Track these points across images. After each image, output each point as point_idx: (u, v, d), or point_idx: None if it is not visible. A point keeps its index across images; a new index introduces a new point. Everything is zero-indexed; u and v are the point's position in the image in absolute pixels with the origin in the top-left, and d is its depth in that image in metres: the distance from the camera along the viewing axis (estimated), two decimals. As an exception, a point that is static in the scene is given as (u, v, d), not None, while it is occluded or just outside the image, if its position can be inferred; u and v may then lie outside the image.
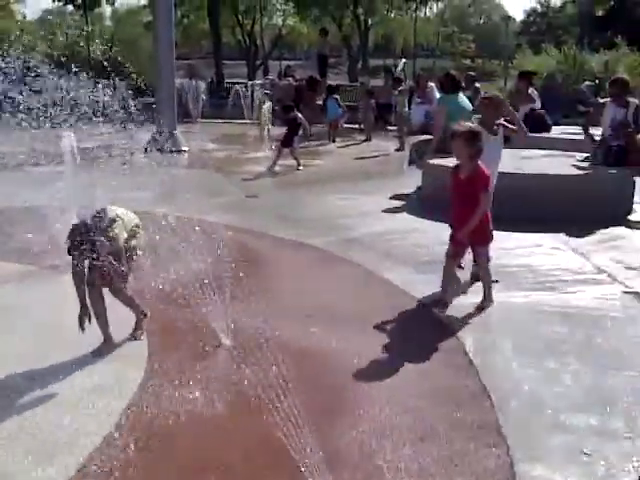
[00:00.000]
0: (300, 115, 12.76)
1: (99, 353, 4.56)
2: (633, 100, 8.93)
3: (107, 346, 4.65)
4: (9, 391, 4.07)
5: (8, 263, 6.43)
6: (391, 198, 9.37)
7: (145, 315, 4.92)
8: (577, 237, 7.32)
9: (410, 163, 10.15)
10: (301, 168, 11.93)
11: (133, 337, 4.83)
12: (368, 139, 15.60)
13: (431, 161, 8.85)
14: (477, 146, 5.25)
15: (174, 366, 4.39)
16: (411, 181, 9.65)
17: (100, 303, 4.58)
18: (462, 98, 9.18)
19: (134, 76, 21.54)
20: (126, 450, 3.51)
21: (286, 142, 12.16)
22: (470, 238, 5.33)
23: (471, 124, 5.64)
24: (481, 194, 5.22)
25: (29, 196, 7.66)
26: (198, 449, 3.57)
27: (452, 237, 5.43)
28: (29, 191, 8.24)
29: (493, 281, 5.56)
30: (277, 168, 11.87)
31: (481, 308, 5.36)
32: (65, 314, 4.64)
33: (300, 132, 12.56)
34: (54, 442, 3.59)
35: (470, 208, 5.21)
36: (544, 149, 9.98)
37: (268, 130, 14.92)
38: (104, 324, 4.63)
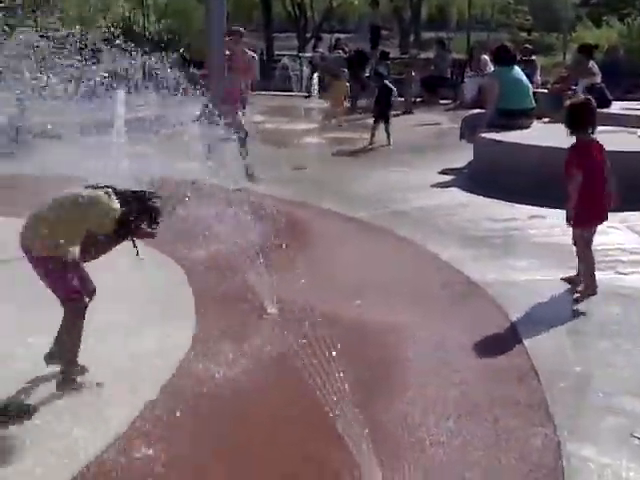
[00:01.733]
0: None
1: None
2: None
3: None
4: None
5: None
6: (441, 173, 9.23)
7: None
8: (634, 216, 7.10)
9: (461, 137, 9.97)
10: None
11: None
12: (409, 111, 15.29)
13: (483, 135, 8.67)
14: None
15: (220, 333, 4.43)
16: (462, 155, 9.47)
17: None
18: (517, 70, 8.95)
19: (186, 48, 21.60)
20: (173, 412, 3.56)
21: (383, 114, 11.64)
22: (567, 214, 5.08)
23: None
24: (574, 168, 4.99)
25: (81, 166, 7.76)
26: (240, 416, 3.61)
27: None
28: (81, 161, 8.36)
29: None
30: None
31: (577, 293, 5.10)
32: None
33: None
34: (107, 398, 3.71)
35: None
36: (603, 125, 9.66)
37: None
38: None
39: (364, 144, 11.52)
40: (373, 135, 11.52)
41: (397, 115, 15.01)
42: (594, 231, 5.14)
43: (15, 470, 3.17)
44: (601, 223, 5.16)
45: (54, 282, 3.68)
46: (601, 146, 5.13)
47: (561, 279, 5.27)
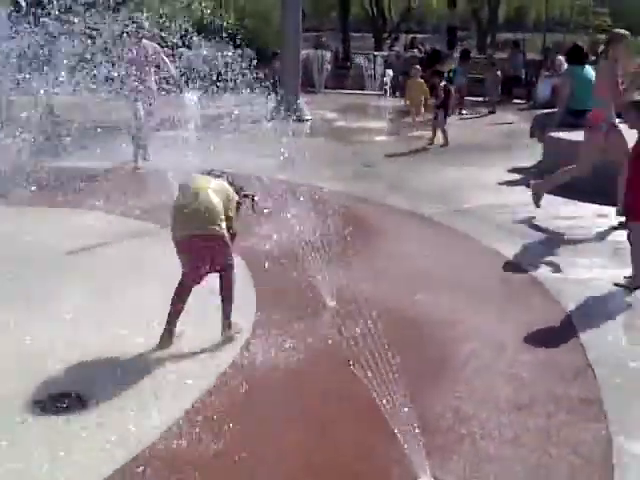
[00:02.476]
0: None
1: None
2: None
3: None
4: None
5: (135, 220, 6.78)
6: (510, 171, 9.15)
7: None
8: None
9: (531, 136, 9.84)
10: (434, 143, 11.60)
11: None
12: (493, 111, 15.19)
13: (553, 134, 8.55)
14: None
15: (280, 324, 4.50)
16: (532, 155, 9.37)
17: None
18: (588, 70, 8.78)
19: (264, 46, 21.93)
20: (229, 398, 3.67)
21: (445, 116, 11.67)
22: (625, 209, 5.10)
23: None
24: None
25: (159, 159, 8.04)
26: (295, 403, 3.70)
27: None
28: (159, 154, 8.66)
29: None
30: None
31: (627, 287, 5.10)
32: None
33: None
34: (168, 382, 3.83)
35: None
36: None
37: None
38: None
39: (429, 143, 11.54)
40: (434, 133, 11.58)
41: (481, 116, 14.96)
42: None
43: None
44: None
45: (220, 256, 4.21)
46: None
47: (624, 277, 5.20)
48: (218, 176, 4.44)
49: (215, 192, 4.26)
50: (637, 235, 5.08)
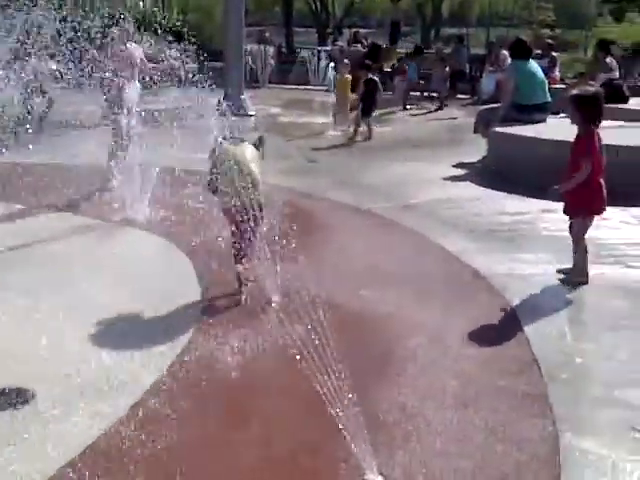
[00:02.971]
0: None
1: None
2: None
3: None
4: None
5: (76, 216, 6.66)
6: (455, 166, 9.18)
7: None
8: (647, 212, 7.02)
9: (475, 131, 9.90)
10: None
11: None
12: (441, 107, 15.21)
13: (497, 129, 8.61)
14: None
15: (224, 321, 4.45)
16: (476, 150, 9.41)
17: None
18: (532, 65, 8.87)
19: (206, 42, 21.66)
20: (174, 396, 3.60)
21: (367, 110, 11.65)
22: (566, 205, 5.11)
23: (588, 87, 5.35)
24: (581, 159, 4.97)
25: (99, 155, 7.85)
26: (240, 401, 3.64)
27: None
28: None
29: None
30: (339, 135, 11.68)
31: (566, 282, 5.12)
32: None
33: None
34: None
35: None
36: (619, 120, 9.56)
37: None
38: None
39: (379, 137, 11.52)
40: (357, 128, 11.56)
41: (429, 112, 14.99)
42: (592, 221, 5.12)
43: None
44: (603, 212, 5.13)
45: (259, 221, 4.70)
46: (600, 138, 5.10)
47: (557, 271, 5.23)
48: (242, 141, 4.91)
49: (253, 161, 4.76)
50: (578, 230, 5.10)
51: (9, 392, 3.58)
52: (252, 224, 4.66)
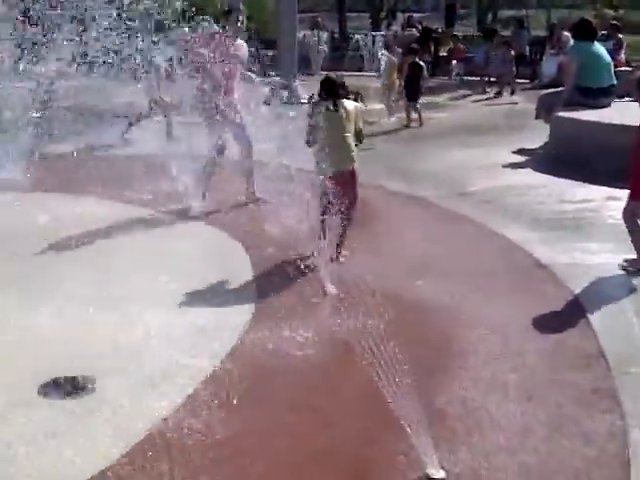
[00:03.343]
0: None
1: None
2: None
3: None
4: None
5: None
6: (515, 153, 8.97)
7: None
8: None
9: (537, 117, 9.64)
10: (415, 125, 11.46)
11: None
12: (500, 93, 14.82)
13: (560, 114, 8.37)
14: None
15: (279, 311, 4.44)
16: (537, 135, 9.17)
17: None
18: (597, 46, 8.57)
19: (260, 30, 21.68)
20: (228, 386, 3.61)
21: (413, 96, 11.51)
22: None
23: None
24: None
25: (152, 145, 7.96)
26: (295, 391, 3.63)
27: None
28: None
29: None
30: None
31: (630, 271, 4.99)
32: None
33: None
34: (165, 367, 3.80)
35: None
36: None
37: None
38: None
39: (436, 122, 11.34)
40: (409, 115, 11.40)
41: (488, 97, 14.66)
42: None
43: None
44: None
45: (355, 187, 5.20)
46: None
47: (624, 260, 5.06)
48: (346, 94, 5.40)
49: (350, 122, 5.22)
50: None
51: (72, 380, 3.65)
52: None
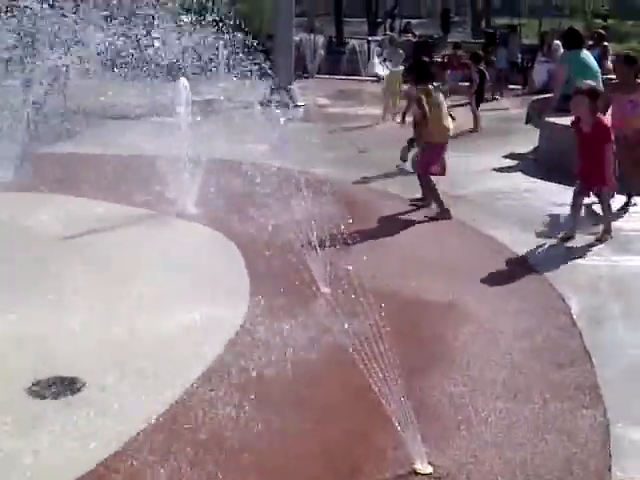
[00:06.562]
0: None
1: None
2: None
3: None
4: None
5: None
6: (505, 157, 9.09)
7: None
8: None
9: (527, 122, 9.76)
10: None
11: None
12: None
13: (549, 120, 8.49)
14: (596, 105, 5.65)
15: (273, 309, 4.48)
16: (527, 140, 9.30)
17: None
18: (586, 54, 8.71)
19: (256, 32, 21.71)
20: (221, 383, 3.66)
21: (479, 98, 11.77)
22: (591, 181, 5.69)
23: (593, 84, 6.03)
24: (605, 145, 5.61)
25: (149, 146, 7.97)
26: (289, 388, 3.67)
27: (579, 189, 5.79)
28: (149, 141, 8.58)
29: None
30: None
31: (599, 240, 5.65)
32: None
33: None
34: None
35: (594, 161, 5.56)
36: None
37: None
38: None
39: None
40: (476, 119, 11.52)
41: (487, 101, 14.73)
42: None
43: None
44: None
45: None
46: None
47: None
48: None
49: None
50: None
51: (62, 380, 3.65)
52: None
